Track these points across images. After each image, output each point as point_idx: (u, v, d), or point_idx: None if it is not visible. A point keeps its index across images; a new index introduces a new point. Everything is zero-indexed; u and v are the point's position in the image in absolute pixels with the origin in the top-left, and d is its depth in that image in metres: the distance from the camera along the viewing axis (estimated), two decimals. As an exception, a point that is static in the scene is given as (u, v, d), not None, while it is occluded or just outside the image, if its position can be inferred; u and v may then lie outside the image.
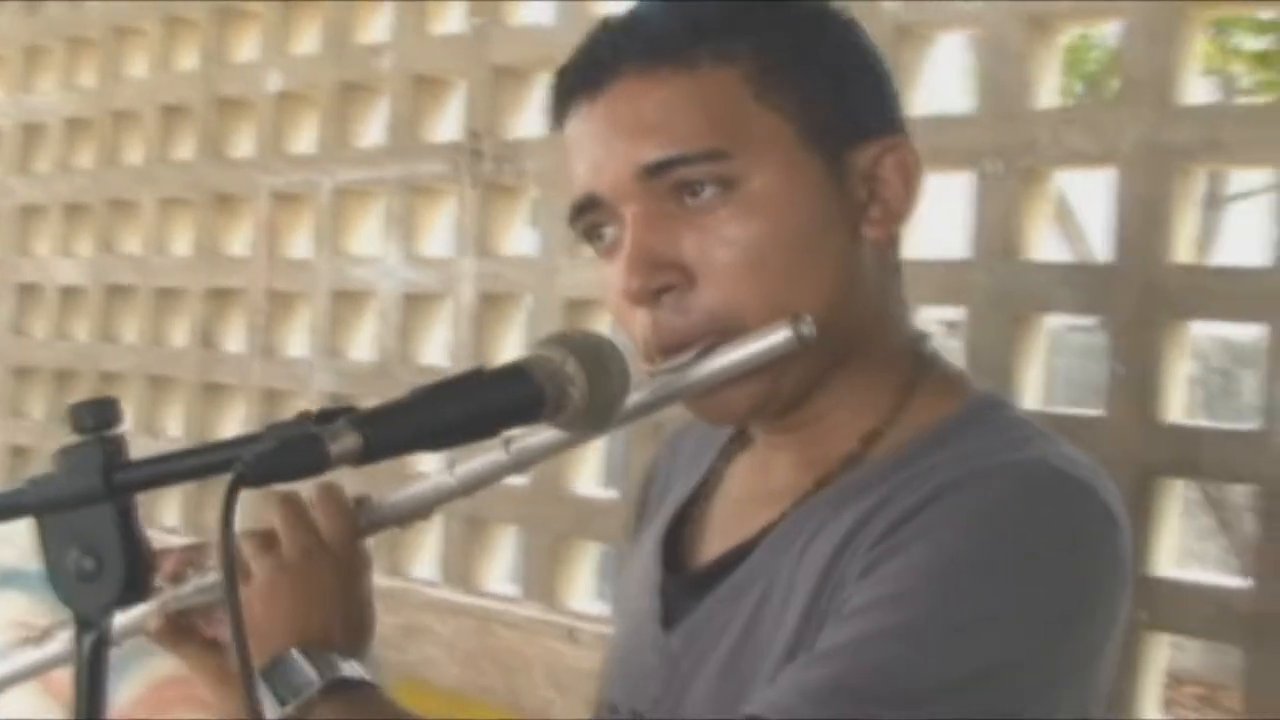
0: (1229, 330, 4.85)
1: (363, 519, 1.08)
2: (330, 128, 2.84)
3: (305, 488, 1.08)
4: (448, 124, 2.70)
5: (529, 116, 2.58)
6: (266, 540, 1.07)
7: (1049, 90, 1.94)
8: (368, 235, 2.83)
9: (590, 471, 2.47)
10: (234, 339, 3.08)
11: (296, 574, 1.05)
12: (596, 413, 0.91)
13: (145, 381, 3.18)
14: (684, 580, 1.11)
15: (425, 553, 2.65)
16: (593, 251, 1.07)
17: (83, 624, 0.91)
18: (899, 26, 1.98)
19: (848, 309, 1.02)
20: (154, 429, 3.13)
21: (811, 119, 1.01)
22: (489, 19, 2.57)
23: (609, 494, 2.45)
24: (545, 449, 1.04)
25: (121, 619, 1.16)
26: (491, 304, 2.59)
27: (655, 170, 0.99)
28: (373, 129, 2.83)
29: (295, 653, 1.02)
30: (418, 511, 1.09)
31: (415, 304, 2.71)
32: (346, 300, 2.83)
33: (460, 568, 2.58)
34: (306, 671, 1.01)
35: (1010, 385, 1.91)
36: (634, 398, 0.96)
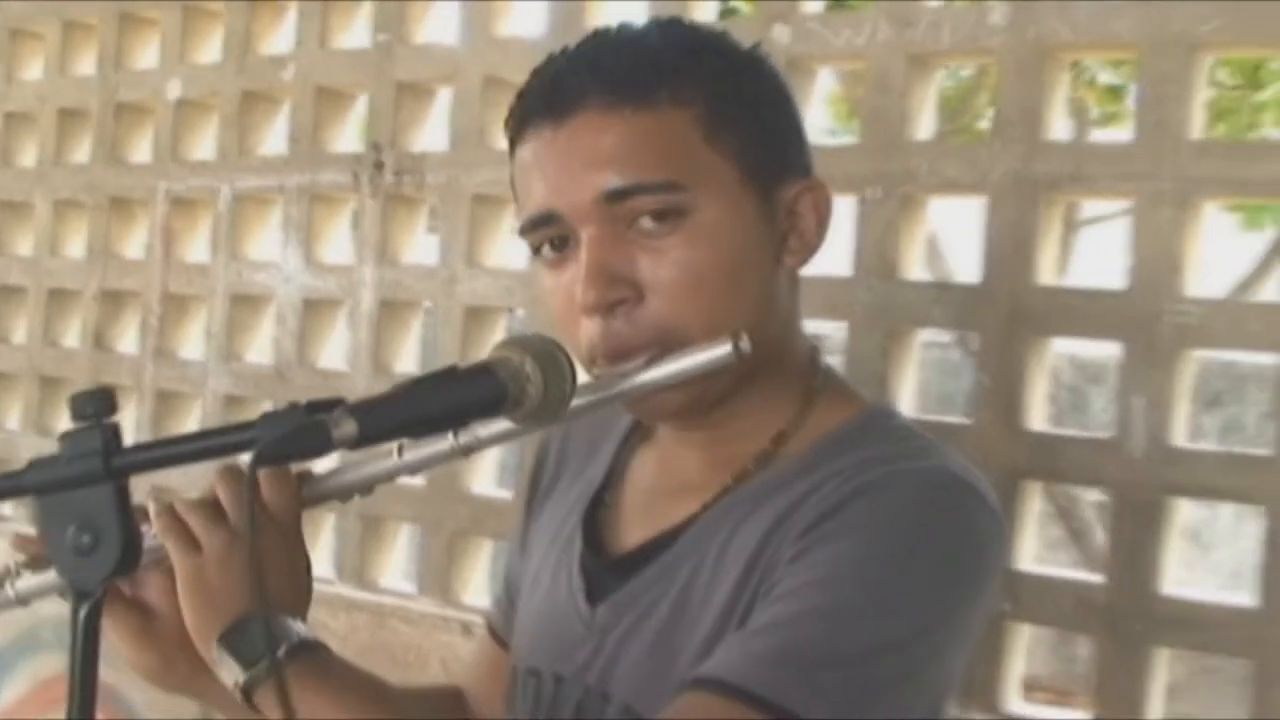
0: (1079, 348, 5.13)
1: (306, 492, 1.18)
2: (230, 135, 2.91)
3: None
4: (349, 135, 2.79)
5: (430, 131, 2.68)
6: (215, 512, 1.15)
7: (926, 123, 2.10)
8: (267, 241, 2.90)
9: (486, 471, 2.58)
10: (127, 341, 3.12)
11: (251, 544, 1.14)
12: (549, 408, 1.02)
13: (37, 381, 3.20)
14: (607, 561, 1.23)
15: (320, 550, 2.73)
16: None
17: (80, 594, 1.00)
18: (790, 59, 2.12)
19: (766, 326, 1.16)
20: (45, 428, 3.15)
21: (749, 160, 1.15)
22: (393, 35, 2.66)
23: (503, 494, 2.55)
24: (491, 439, 1.15)
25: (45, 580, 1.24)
26: (391, 311, 2.68)
27: (615, 196, 1.11)
28: (274, 138, 2.90)
29: (260, 617, 1.11)
30: (356, 487, 1.20)
31: (314, 309, 2.79)
32: (244, 304, 2.90)
33: (355, 565, 2.66)
34: (271, 634, 1.11)
35: (886, 394, 2.06)
36: (586, 396, 1.08)
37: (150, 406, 3.01)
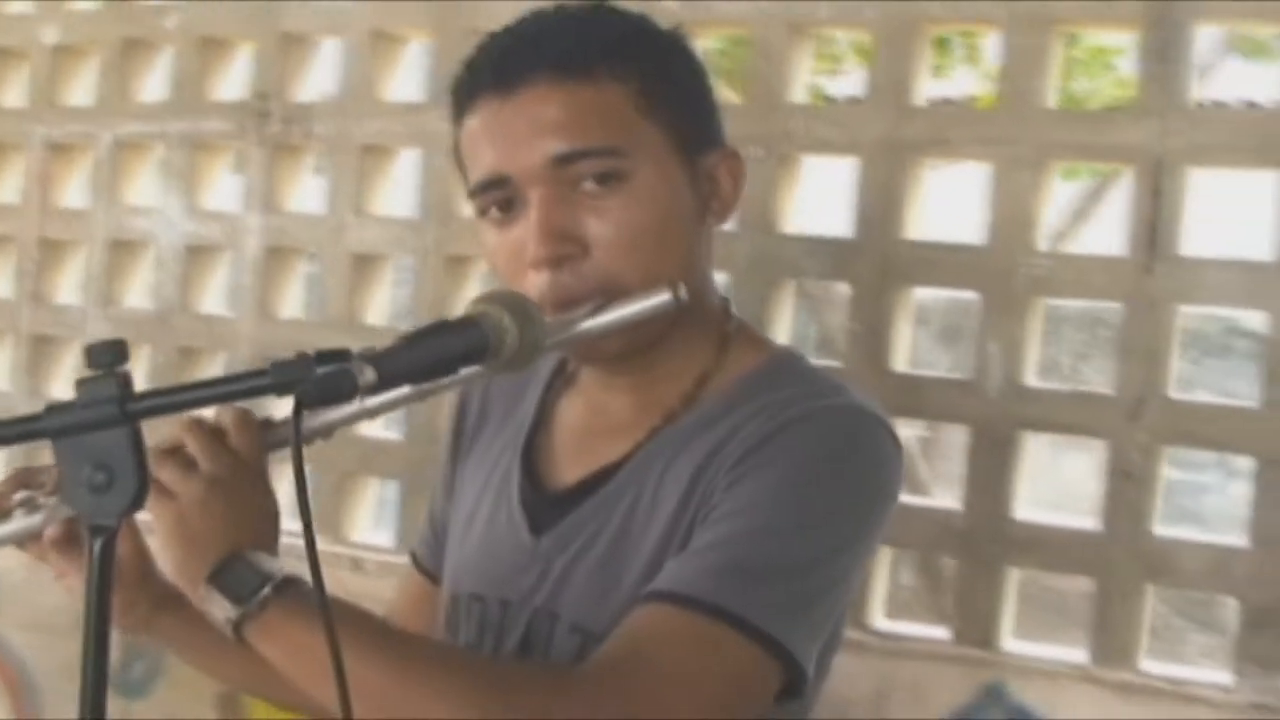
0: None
1: (270, 437, 1.27)
2: (110, 82, 2.93)
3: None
4: (233, 84, 2.83)
5: (317, 81, 2.75)
6: (184, 460, 1.24)
7: (802, 86, 2.26)
8: (147, 188, 2.94)
9: (375, 414, 2.67)
10: (2, 285, 3.12)
11: (226, 487, 1.22)
12: (524, 354, 1.15)
13: (-92, 325, 3.18)
14: (547, 496, 1.36)
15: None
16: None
17: (96, 529, 1.09)
18: (678, 25, 2.25)
19: (691, 278, 1.30)
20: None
21: (677, 130, 1.28)
22: (279, -14, 2.71)
23: (391, 435, 2.65)
24: (441, 385, 1.26)
25: (23, 524, 1.33)
26: (276, 257, 2.75)
27: (561, 160, 1.24)
28: (156, 85, 2.93)
29: (246, 555, 1.21)
30: (319, 432, 1.29)
31: (196, 255, 2.84)
32: (123, 250, 2.93)
33: (245, 505, 2.73)
34: (258, 571, 1.20)
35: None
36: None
37: (26, 351, 3.03)
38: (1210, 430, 1.98)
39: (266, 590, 1.19)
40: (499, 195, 1.28)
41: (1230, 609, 2.05)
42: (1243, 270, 1.95)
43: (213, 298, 2.87)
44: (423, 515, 1.63)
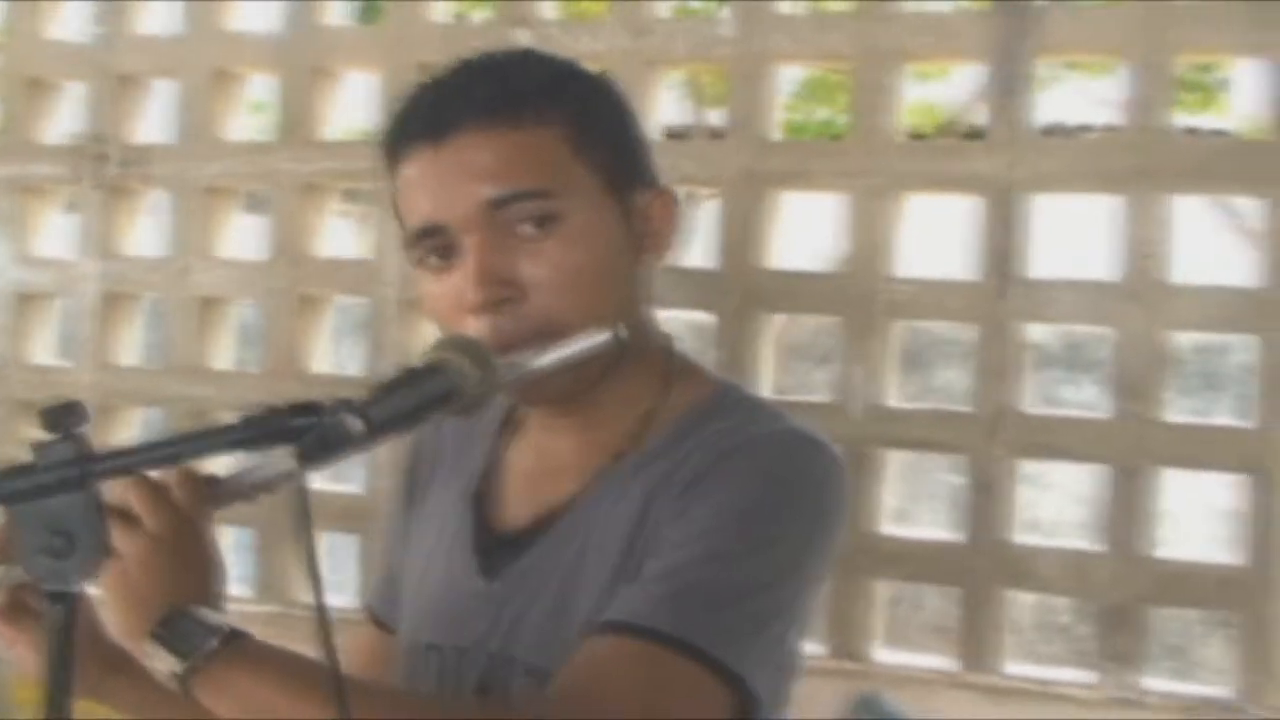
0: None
1: (215, 493, 1.26)
2: (-70, 126, 2.81)
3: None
4: (63, 127, 2.75)
5: (153, 122, 2.69)
6: (128, 518, 1.21)
7: (657, 123, 2.31)
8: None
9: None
10: None
11: (170, 545, 1.20)
12: (482, 398, 1.16)
13: None
14: (498, 540, 1.37)
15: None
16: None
17: (56, 596, 1.07)
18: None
19: (630, 316, 1.33)
20: None
21: (610, 171, 1.31)
22: (111, 27, 2.65)
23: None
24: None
25: None
26: (114, 303, 2.68)
27: (496, 204, 1.25)
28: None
29: (190, 611, 1.19)
30: (263, 487, 1.29)
31: (27, 303, 2.75)
32: (-51, 300, 2.82)
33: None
34: (203, 625, 1.18)
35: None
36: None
37: None
38: (1064, 442, 2.10)
39: (213, 643, 1.17)
40: (435, 243, 1.29)
41: (1088, 611, 2.16)
42: (1088, 290, 2.08)
43: (45, 347, 2.78)
44: (373, 568, 1.62)
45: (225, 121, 2.60)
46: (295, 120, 2.52)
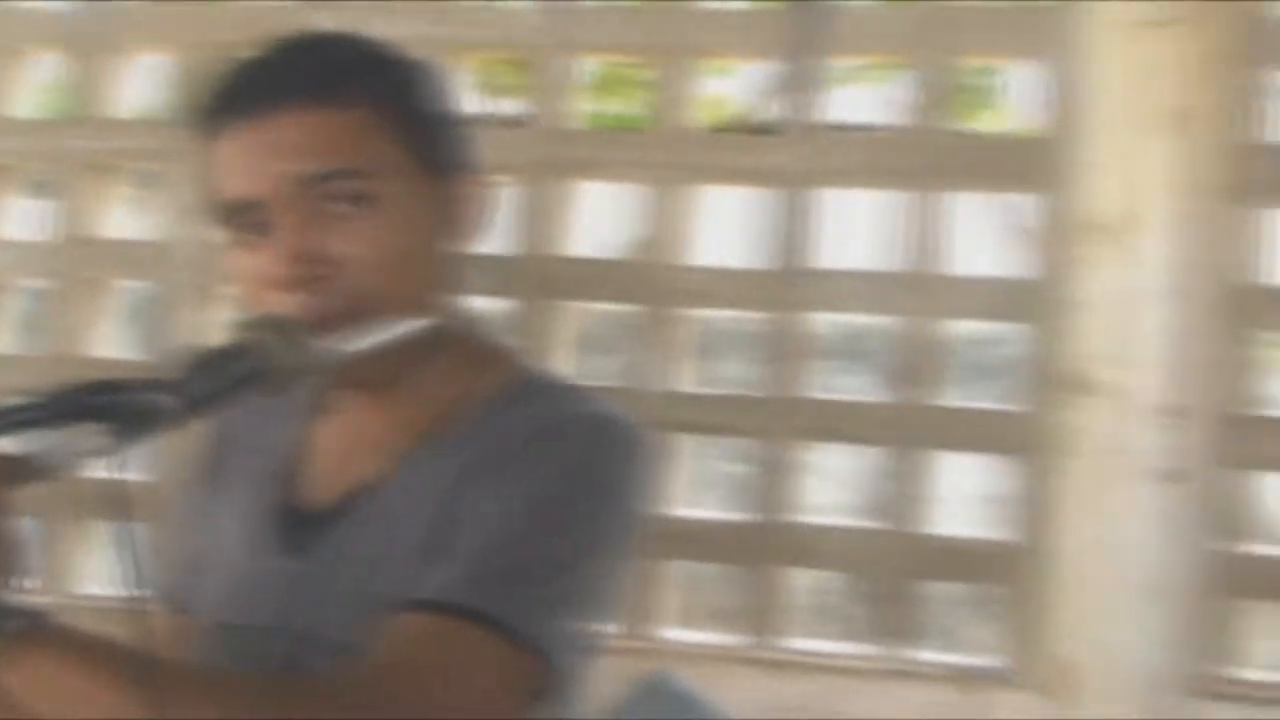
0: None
1: (16, 472, 1.23)
2: None
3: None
4: None
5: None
6: None
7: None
8: None
9: None
10: None
11: None
12: (294, 378, 1.17)
13: None
14: (303, 518, 1.38)
15: None
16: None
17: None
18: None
19: (442, 298, 1.36)
20: None
21: (424, 154, 1.33)
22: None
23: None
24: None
25: None
26: None
27: (310, 182, 1.27)
28: None
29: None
30: (66, 465, 1.27)
31: None
32: None
33: None
34: (4, 610, 1.16)
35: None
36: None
37: None
38: (845, 426, 2.19)
39: (16, 626, 1.16)
40: (248, 219, 1.29)
41: (866, 588, 2.26)
42: (871, 281, 2.17)
43: None
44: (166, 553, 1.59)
45: (11, 99, 2.53)
46: (84, 99, 2.47)
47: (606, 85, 2.50)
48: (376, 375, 1.33)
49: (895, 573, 2.16)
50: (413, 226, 1.32)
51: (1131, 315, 2.03)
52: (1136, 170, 2.04)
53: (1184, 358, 2.02)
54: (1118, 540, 2.02)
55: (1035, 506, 2.10)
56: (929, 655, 2.18)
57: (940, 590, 2.25)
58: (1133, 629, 2.02)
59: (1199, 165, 2.03)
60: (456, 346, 1.40)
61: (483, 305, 2.37)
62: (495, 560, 1.25)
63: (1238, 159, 2.06)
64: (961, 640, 2.27)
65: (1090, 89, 2.08)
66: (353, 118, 1.30)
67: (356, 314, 1.28)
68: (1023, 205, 2.18)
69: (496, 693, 1.24)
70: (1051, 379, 2.08)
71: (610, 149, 2.25)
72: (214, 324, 2.31)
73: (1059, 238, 2.09)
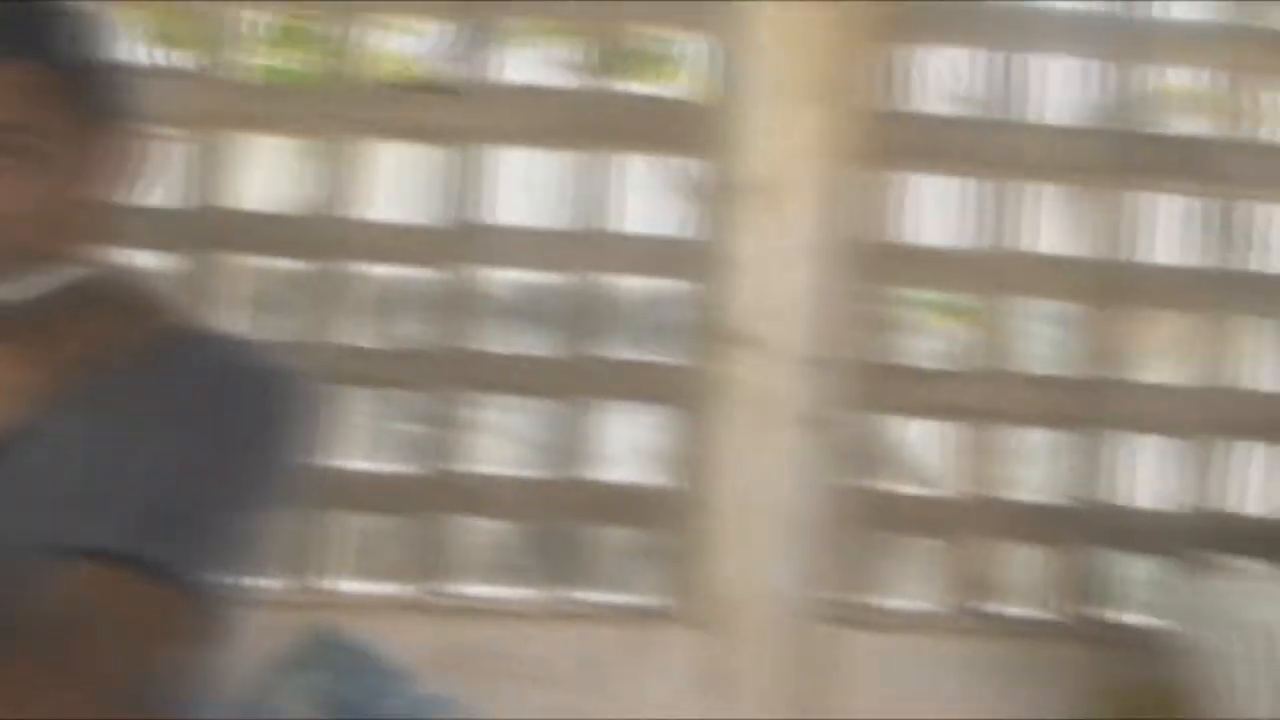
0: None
1: None
2: None
3: None
4: None
5: None
6: None
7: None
8: None
9: None
10: None
11: None
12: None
13: None
14: None
15: None
16: None
17: None
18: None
19: (98, 247, 1.35)
20: None
21: (82, 104, 1.32)
22: None
23: None
24: None
25: None
26: None
27: None
28: None
29: None
30: None
31: None
32: None
33: None
34: None
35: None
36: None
37: None
38: (515, 379, 2.27)
39: None
40: None
41: (536, 534, 2.35)
42: (542, 238, 2.25)
43: None
44: None
45: None
46: None
47: (284, 39, 2.49)
48: (23, 325, 1.32)
49: (563, 520, 2.25)
50: (69, 178, 1.31)
51: (781, 273, 2.16)
52: (787, 136, 2.17)
53: (828, 312, 2.16)
54: (768, 483, 2.16)
55: (694, 454, 2.22)
56: (597, 598, 2.27)
57: (607, 536, 2.35)
58: (781, 565, 2.17)
59: (844, 132, 2.18)
60: (110, 298, 1.40)
61: (152, 259, 2.35)
62: (155, 508, 1.26)
63: (880, 127, 2.22)
64: (628, 583, 2.37)
65: (747, 59, 2.20)
66: (9, 70, 1.28)
67: (11, 264, 1.27)
68: (687, 167, 2.29)
69: (160, 639, 1.25)
70: (710, 333, 2.20)
71: (283, 103, 2.24)
72: None
73: (720, 199, 2.21)
